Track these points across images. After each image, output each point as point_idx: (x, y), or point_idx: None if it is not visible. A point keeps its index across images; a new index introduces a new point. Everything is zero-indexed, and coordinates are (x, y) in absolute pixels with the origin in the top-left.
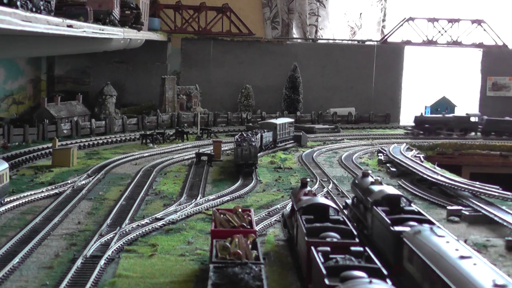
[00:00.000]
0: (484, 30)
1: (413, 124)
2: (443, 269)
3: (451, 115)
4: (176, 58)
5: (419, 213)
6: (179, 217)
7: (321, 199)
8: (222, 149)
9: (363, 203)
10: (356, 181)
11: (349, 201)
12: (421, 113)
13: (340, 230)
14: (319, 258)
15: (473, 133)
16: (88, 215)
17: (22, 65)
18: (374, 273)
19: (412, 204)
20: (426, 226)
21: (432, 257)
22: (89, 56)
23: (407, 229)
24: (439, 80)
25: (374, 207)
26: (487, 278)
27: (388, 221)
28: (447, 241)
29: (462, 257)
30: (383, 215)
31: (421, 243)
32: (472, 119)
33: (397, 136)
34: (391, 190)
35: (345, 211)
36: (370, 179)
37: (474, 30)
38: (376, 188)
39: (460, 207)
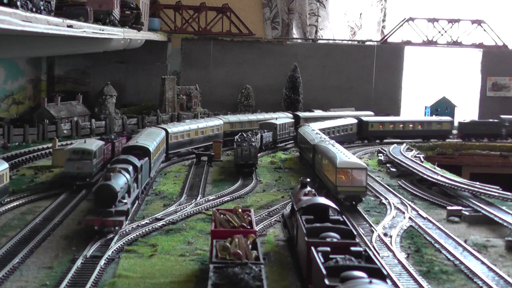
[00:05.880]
0: (484, 30)
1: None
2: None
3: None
4: (176, 58)
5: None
6: (179, 217)
7: (321, 200)
8: (222, 149)
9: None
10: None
11: None
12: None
13: (340, 230)
14: (319, 258)
15: None
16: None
17: (22, 65)
18: (374, 273)
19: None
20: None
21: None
22: (89, 56)
23: None
24: (439, 80)
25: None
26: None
27: None
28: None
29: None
30: None
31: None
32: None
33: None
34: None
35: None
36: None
37: (474, 30)
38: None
39: (460, 208)
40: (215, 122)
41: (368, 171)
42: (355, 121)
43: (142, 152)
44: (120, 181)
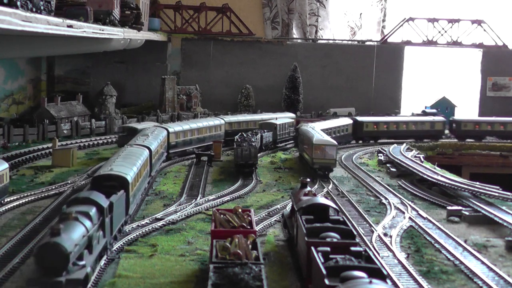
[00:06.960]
0: (484, 30)
1: None
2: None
3: None
4: (176, 58)
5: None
6: (179, 217)
7: (321, 199)
8: (222, 149)
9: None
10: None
11: None
12: None
13: (340, 230)
14: (319, 258)
15: None
16: None
17: (22, 65)
18: (374, 273)
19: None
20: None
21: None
22: (89, 56)
23: None
24: (439, 80)
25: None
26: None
27: None
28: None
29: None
30: None
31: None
32: None
33: None
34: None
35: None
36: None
37: (474, 30)
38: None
39: (460, 208)
40: (163, 133)
41: (337, 148)
42: (442, 119)
43: (118, 183)
44: (74, 235)
